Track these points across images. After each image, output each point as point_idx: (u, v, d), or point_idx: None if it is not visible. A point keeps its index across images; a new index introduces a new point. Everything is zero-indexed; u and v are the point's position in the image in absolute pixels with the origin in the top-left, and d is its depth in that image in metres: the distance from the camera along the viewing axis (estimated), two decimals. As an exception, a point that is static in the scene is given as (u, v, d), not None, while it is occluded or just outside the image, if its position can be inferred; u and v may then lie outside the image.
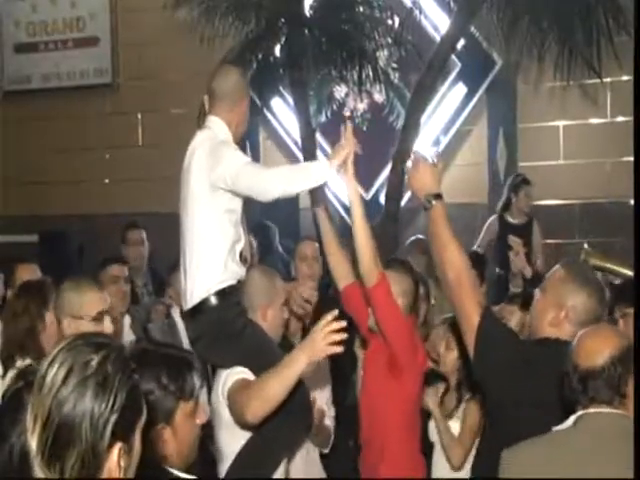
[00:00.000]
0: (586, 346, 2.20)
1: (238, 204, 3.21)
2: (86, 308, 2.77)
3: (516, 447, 2.20)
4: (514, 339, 2.69)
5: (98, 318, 2.77)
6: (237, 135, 3.32)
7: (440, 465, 3.59)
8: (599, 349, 2.17)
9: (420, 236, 5.74)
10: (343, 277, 3.44)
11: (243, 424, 2.96)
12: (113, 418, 1.47)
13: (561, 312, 2.58)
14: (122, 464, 1.48)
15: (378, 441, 3.31)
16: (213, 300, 3.12)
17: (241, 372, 3.06)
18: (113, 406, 1.47)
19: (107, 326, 2.79)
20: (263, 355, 3.08)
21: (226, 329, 3.11)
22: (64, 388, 1.46)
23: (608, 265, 4.25)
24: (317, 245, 4.61)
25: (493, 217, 6.61)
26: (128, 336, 4.16)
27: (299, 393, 2.94)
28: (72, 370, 1.47)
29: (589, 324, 2.54)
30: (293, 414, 2.94)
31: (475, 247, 6.31)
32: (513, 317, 3.75)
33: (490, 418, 2.74)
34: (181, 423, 2.08)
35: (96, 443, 1.45)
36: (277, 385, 2.80)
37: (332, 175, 3.04)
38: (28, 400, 1.75)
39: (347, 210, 7.42)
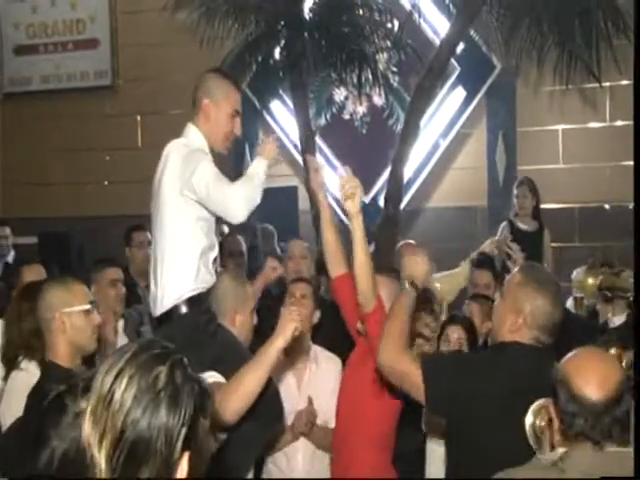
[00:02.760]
0: (592, 376, 2.01)
1: (211, 212, 3.19)
2: (78, 299, 2.82)
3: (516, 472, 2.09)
4: (459, 362, 2.71)
5: (89, 310, 2.83)
6: (217, 147, 3.27)
7: (434, 457, 3.56)
8: (609, 378, 2.01)
9: (410, 241, 5.58)
10: (336, 266, 3.37)
11: (220, 425, 2.87)
12: (184, 430, 1.46)
13: (519, 318, 2.58)
14: (187, 467, 1.48)
15: (347, 453, 3.27)
16: (183, 308, 3.11)
17: (211, 377, 2.96)
18: (184, 418, 1.46)
19: (96, 317, 2.86)
20: (236, 357, 3.04)
21: (198, 335, 3.07)
22: (136, 406, 1.44)
23: (617, 284, 4.12)
24: (306, 245, 4.84)
25: (504, 223, 6.46)
26: (122, 340, 4.05)
27: (268, 391, 2.90)
28: (142, 386, 1.45)
29: (548, 327, 2.59)
30: (263, 412, 2.90)
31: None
32: None
33: (453, 442, 2.73)
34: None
35: (169, 456, 1.45)
36: (254, 377, 2.77)
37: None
38: (69, 404, 1.79)
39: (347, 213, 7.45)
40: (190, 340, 3.00)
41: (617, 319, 4.18)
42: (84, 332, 2.82)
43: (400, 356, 2.68)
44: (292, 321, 2.77)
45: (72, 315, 2.79)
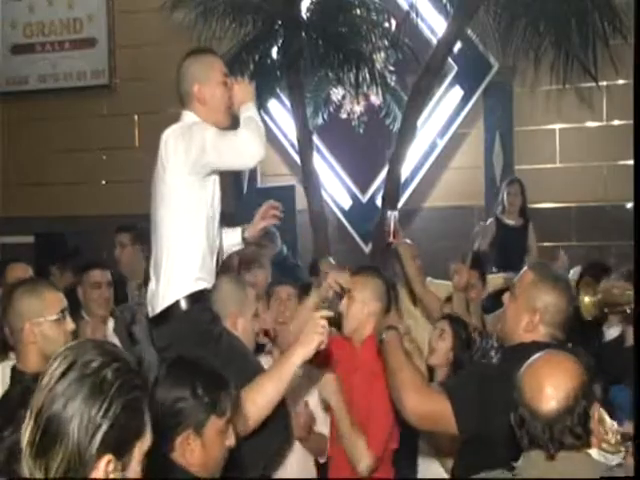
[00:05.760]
0: (543, 384, 1.96)
1: (217, 198, 3.11)
2: (49, 307, 2.70)
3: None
4: (485, 382, 2.55)
5: (60, 318, 2.71)
6: (220, 123, 3.12)
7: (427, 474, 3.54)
8: (560, 386, 1.95)
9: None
10: None
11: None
12: (105, 425, 1.42)
13: (535, 316, 2.56)
14: (111, 478, 1.43)
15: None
16: (185, 305, 2.97)
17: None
18: (106, 413, 1.42)
19: (68, 323, 2.74)
20: (242, 359, 2.96)
21: (203, 335, 2.95)
22: (60, 383, 1.43)
23: (617, 299, 3.97)
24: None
25: (491, 219, 6.68)
26: (111, 340, 4.03)
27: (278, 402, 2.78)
28: (71, 367, 1.44)
29: (562, 324, 2.57)
30: (272, 423, 2.77)
31: (475, 249, 6.31)
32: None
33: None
34: (211, 438, 2.11)
35: (84, 447, 1.41)
36: (274, 388, 2.65)
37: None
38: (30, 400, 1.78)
39: (343, 212, 7.47)
40: (195, 340, 2.91)
41: (613, 331, 4.12)
42: (56, 341, 2.65)
43: (424, 398, 2.57)
44: (319, 334, 2.57)
45: (43, 325, 2.68)
